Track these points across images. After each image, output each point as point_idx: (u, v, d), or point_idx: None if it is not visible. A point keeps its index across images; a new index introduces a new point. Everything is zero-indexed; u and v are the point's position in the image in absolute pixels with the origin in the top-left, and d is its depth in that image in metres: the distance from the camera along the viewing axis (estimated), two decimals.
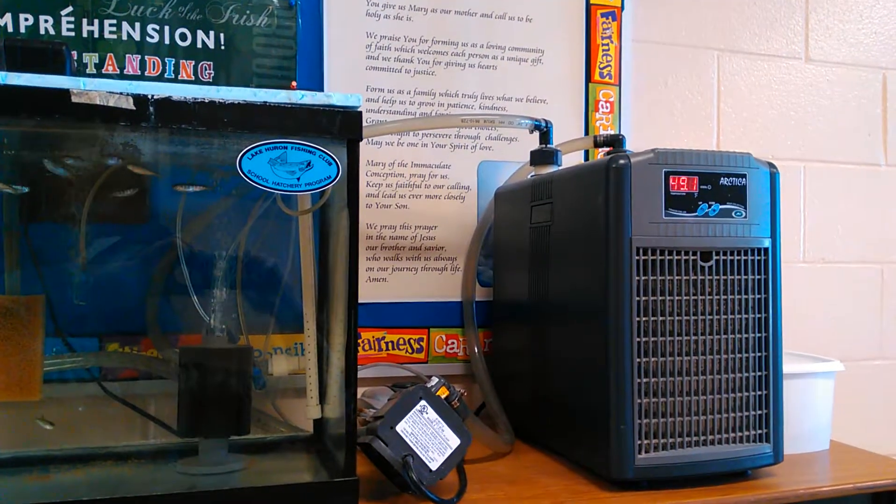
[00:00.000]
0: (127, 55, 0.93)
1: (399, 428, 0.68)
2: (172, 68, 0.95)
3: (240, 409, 0.76)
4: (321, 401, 0.81)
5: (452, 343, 1.06)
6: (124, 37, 0.93)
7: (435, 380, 0.74)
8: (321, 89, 1.00)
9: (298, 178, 0.66)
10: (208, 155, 0.75)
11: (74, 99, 0.59)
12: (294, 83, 0.99)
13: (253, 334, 0.88)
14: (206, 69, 0.96)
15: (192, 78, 0.95)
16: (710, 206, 0.73)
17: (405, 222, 1.04)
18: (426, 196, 1.05)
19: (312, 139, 0.66)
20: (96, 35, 0.92)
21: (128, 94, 0.61)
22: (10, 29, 0.90)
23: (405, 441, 0.68)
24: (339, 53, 1.01)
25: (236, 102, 0.64)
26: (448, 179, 1.06)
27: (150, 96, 0.61)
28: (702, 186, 0.73)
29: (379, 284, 1.03)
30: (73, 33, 0.91)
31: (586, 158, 1.12)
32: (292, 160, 0.65)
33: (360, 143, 0.68)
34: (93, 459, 0.77)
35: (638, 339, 0.71)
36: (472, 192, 1.07)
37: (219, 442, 0.75)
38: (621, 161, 0.71)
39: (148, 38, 0.94)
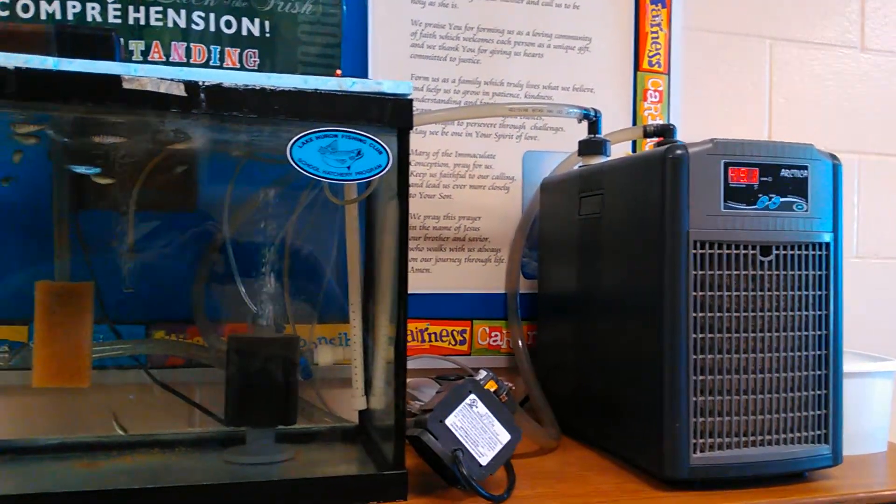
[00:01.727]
0: (173, 42, 0.93)
1: (448, 421, 0.67)
2: (218, 56, 0.94)
3: (287, 398, 0.75)
4: (366, 392, 0.81)
5: (496, 335, 1.05)
6: (170, 24, 0.93)
7: (483, 373, 0.73)
8: (365, 77, 0.99)
9: (349, 167, 0.65)
10: (257, 142, 0.74)
11: (125, 85, 0.59)
12: (339, 71, 0.97)
13: (297, 324, 0.88)
14: (250, 57, 0.95)
15: (238, 66, 0.94)
16: (770, 199, 0.71)
17: (449, 213, 1.03)
18: (470, 186, 1.04)
19: (362, 127, 0.65)
20: (142, 22, 0.92)
21: (179, 81, 0.60)
22: (58, 16, 0.90)
23: (454, 435, 0.67)
24: (383, 41, 1.00)
25: (287, 90, 0.63)
26: (492, 170, 1.04)
27: (201, 83, 0.60)
28: (762, 178, 0.71)
29: (422, 275, 1.02)
30: (119, 20, 0.91)
31: (634, 149, 1.10)
32: (343, 148, 0.64)
33: None
34: (140, 447, 0.78)
35: (694, 336, 0.69)
36: (517, 182, 1.05)
37: (266, 431, 0.75)
38: (678, 152, 0.69)
39: (193, 26, 0.93)
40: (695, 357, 0.69)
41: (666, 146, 0.71)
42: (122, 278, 0.79)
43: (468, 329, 1.04)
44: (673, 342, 0.68)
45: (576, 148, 0.99)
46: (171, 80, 0.60)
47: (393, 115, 0.65)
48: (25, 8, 0.89)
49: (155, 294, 0.86)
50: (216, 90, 0.61)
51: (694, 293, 0.69)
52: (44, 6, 0.89)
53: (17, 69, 0.57)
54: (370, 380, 0.81)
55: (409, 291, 1.00)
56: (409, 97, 0.66)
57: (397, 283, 0.67)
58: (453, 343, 1.03)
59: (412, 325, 1.01)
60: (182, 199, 0.82)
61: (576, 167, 0.97)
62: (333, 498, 0.64)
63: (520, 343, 1.01)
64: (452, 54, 1.03)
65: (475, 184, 1.04)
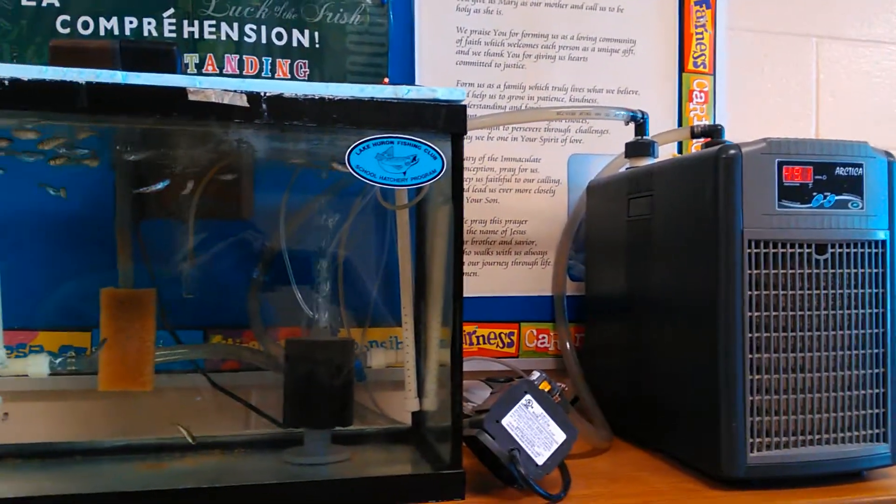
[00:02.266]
0: (226, 55, 0.95)
1: (504, 422, 0.68)
2: (269, 67, 0.96)
3: (344, 400, 0.77)
4: (419, 394, 0.82)
5: (543, 338, 1.05)
6: (223, 37, 0.95)
7: (536, 374, 0.74)
8: (412, 84, 1.01)
9: (404, 173, 0.66)
10: (312, 151, 0.76)
11: (191, 97, 0.61)
12: (386, 79, 0.99)
13: (350, 328, 0.89)
14: (301, 67, 0.97)
15: (288, 76, 0.97)
16: (825, 197, 0.70)
17: (495, 216, 1.04)
18: (516, 190, 1.04)
19: (417, 134, 0.66)
20: (196, 36, 0.95)
21: (241, 92, 0.62)
22: (115, 32, 0.93)
23: (511, 435, 0.68)
24: (429, 49, 1.01)
25: (344, 98, 0.64)
26: (538, 173, 1.05)
27: (262, 93, 0.62)
28: (816, 177, 0.70)
29: (470, 279, 1.03)
30: (174, 34, 0.94)
31: (680, 150, 1.10)
32: (398, 155, 0.66)
33: None
34: (200, 449, 0.79)
35: (750, 335, 0.69)
36: (563, 185, 1.06)
37: (323, 433, 0.77)
38: (731, 151, 0.69)
39: (246, 38, 0.96)
40: (751, 356, 0.69)
41: (718, 146, 0.71)
42: (182, 285, 0.81)
43: (516, 331, 1.04)
44: (728, 341, 0.68)
45: (622, 150, 0.99)
46: (234, 91, 0.62)
47: (447, 120, 0.66)
48: (86, 25, 0.92)
49: (212, 300, 0.88)
50: (277, 100, 0.63)
51: (749, 292, 0.68)
52: (102, 22, 0.93)
53: (88, 83, 0.59)
54: (422, 382, 0.82)
55: None
56: (463, 103, 0.67)
57: (452, 286, 0.68)
58: (501, 345, 1.04)
59: None
60: (239, 208, 0.84)
61: (623, 169, 0.97)
62: (393, 497, 0.66)
63: (567, 345, 1.02)
64: (497, 60, 1.04)
65: (521, 188, 1.05)
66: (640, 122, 0.94)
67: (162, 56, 0.69)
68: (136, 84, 0.60)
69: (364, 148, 0.65)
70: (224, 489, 0.63)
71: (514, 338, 1.04)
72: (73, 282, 0.86)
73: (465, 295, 1.02)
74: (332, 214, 0.82)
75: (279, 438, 0.82)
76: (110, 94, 0.60)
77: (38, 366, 0.76)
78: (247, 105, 0.62)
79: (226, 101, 0.61)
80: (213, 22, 0.95)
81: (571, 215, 1.05)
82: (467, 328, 1.03)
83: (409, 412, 0.84)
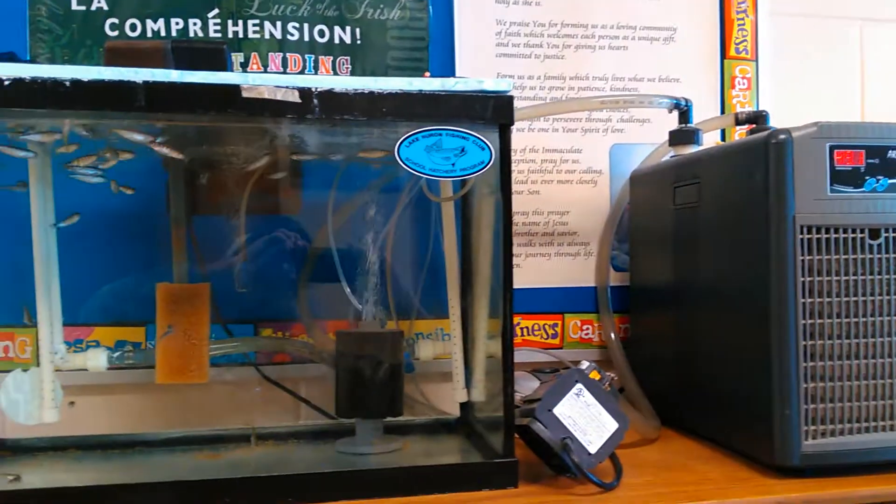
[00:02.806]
0: (270, 53, 0.97)
1: (556, 411, 0.68)
2: (312, 64, 0.98)
3: (394, 391, 0.78)
4: (467, 384, 0.83)
5: (587, 329, 1.05)
6: (266, 36, 0.97)
7: (586, 363, 0.74)
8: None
9: (453, 164, 0.67)
10: (359, 145, 0.77)
11: (244, 94, 0.62)
12: (427, 73, 1.00)
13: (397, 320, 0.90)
14: (343, 64, 0.98)
15: (331, 73, 0.98)
16: (878, 181, 0.70)
17: (537, 208, 1.04)
18: (558, 181, 1.04)
19: (465, 125, 0.66)
20: (241, 35, 0.96)
21: (294, 88, 0.63)
22: (162, 33, 0.95)
23: (563, 424, 0.68)
24: (469, 42, 1.02)
25: (393, 92, 0.65)
26: (580, 164, 1.05)
27: (314, 89, 0.63)
28: (868, 160, 0.69)
29: (513, 270, 1.03)
30: (219, 34, 0.96)
31: (723, 137, 1.09)
32: (447, 146, 0.66)
33: None
34: (257, 439, 0.81)
35: (803, 322, 0.68)
36: (605, 175, 1.06)
37: (375, 423, 0.78)
38: (781, 136, 0.69)
39: (289, 37, 0.97)
40: (804, 343, 0.68)
41: (767, 131, 0.70)
42: (234, 279, 0.83)
43: (559, 323, 1.04)
44: (781, 329, 0.68)
45: (664, 139, 0.99)
46: (287, 87, 0.63)
47: (494, 111, 0.67)
48: (133, 27, 0.94)
49: (261, 294, 0.90)
50: (328, 96, 0.63)
51: (802, 279, 0.68)
52: (150, 24, 0.95)
53: (145, 82, 0.61)
54: (470, 373, 0.83)
55: None
56: (510, 94, 0.68)
57: (503, 278, 0.68)
58: (545, 337, 1.04)
59: None
60: (287, 202, 0.85)
61: (667, 158, 0.97)
62: (447, 485, 0.66)
63: (612, 335, 1.01)
64: (537, 51, 1.04)
65: (563, 178, 1.05)
66: (683, 110, 0.94)
67: (212, 55, 0.70)
68: (192, 82, 0.62)
69: (413, 140, 0.66)
70: (282, 478, 0.64)
71: (558, 329, 1.04)
72: (128, 278, 0.88)
73: None
74: (379, 208, 0.83)
75: (331, 429, 0.83)
76: (166, 93, 0.61)
77: (97, 360, 0.77)
78: (299, 101, 0.63)
79: (278, 98, 0.63)
80: (257, 21, 0.96)
81: (614, 205, 1.04)
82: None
83: (456, 403, 0.85)
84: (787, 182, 0.68)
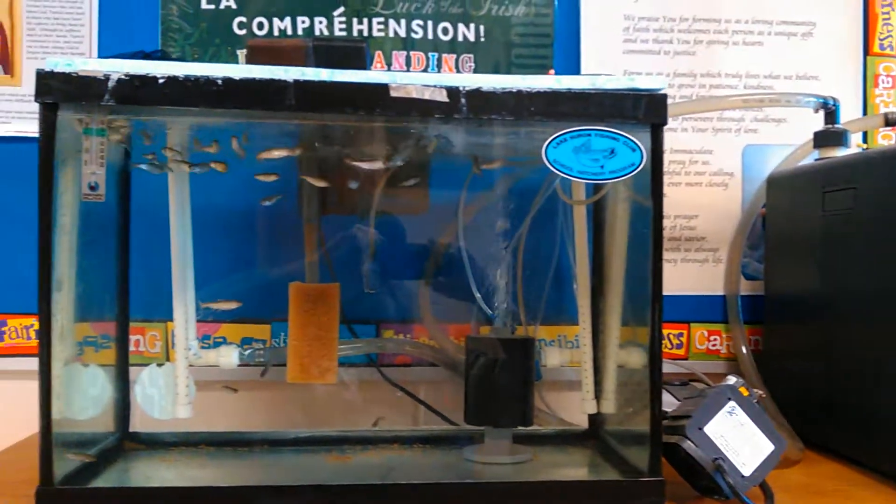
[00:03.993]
0: (393, 52, 0.96)
1: (707, 429, 0.64)
2: (435, 63, 0.96)
3: (525, 400, 0.75)
4: (597, 395, 0.80)
5: (715, 339, 1.00)
6: (391, 34, 0.96)
7: (733, 379, 0.70)
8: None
9: (602, 166, 0.63)
10: (494, 144, 0.75)
11: (393, 93, 0.61)
12: (551, 70, 0.97)
13: (520, 325, 0.88)
14: (466, 62, 0.96)
15: (454, 72, 0.96)
16: None
17: (664, 212, 0.99)
18: (686, 184, 1.00)
19: (615, 125, 0.63)
20: (365, 33, 0.96)
21: (441, 87, 0.61)
22: (288, 31, 0.95)
23: (714, 443, 0.64)
24: (595, 39, 0.98)
25: (542, 91, 0.62)
26: (710, 165, 1.00)
27: (461, 88, 0.61)
28: None
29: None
30: (344, 33, 0.95)
31: (865, 139, 1.02)
32: (596, 147, 0.63)
33: None
34: (381, 442, 0.80)
35: None
36: (736, 178, 1.00)
37: (504, 431, 0.75)
38: None
39: (413, 34, 0.96)
40: None
41: None
42: (362, 279, 0.82)
43: (685, 332, 1.00)
44: None
45: (802, 140, 0.93)
46: (434, 86, 0.61)
47: (647, 111, 0.63)
48: (260, 25, 0.95)
49: (384, 294, 0.89)
50: (476, 95, 0.61)
51: None
52: (276, 23, 0.95)
53: (296, 81, 0.60)
54: (600, 383, 0.80)
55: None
56: (663, 92, 0.64)
57: (651, 286, 0.65)
58: (670, 347, 1.00)
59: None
60: (415, 201, 0.84)
61: (808, 160, 0.91)
62: (587, 502, 0.63)
63: (743, 348, 0.96)
64: (666, 47, 0.99)
65: (691, 181, 1.00)
66: (830, 110, 0.88)
67: (353, 53, 0.69)
68: (341, 81, 0.60)
69: (561, 141, 0.63)
70: (423, 486, 0.63)
71: (684, 339, 1.00)
72: (255, 275, 0.89)
73: None
74: (510, 210, 0.81)
75: (456, 436, 0.81)
76: (315, 92, 0.60)
77: (228, 357, 0.78)
78: (446, 100, 0.61)
79: (426, 97, 0.61)
80: (382, 19, 0.95)
81: (746, 210, 0.99)
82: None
83: (584, 414, 0.82)
84: None
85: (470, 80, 0.62)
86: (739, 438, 0.65)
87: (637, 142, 0.63)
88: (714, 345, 1.00)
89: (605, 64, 0.98)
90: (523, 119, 0.62)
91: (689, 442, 0.64)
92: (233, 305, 0.76)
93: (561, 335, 0.94)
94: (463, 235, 0.82)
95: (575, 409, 0.86)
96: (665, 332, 0.99)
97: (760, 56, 1.00)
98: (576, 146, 0.63)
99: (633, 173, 0.64)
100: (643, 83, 0.64)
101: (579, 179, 0.63)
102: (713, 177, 1.00)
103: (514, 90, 0.62)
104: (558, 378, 0.91)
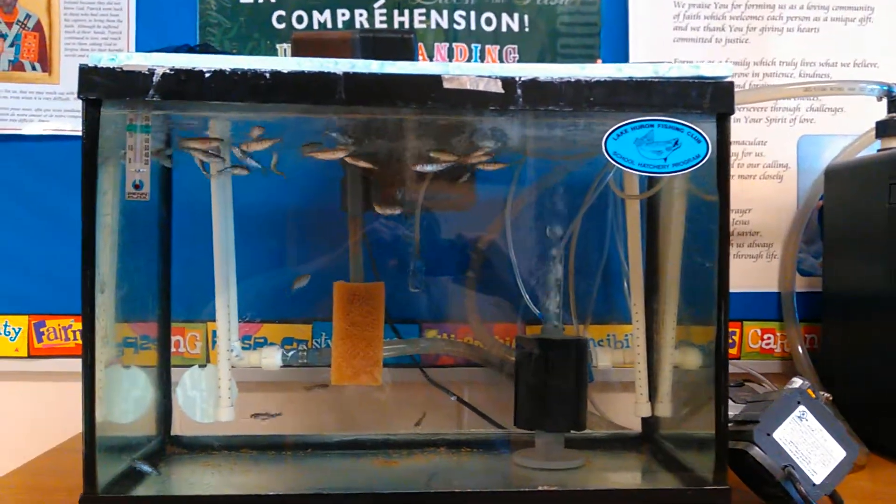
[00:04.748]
0: (435, 44, 0.93)
1: (776, 435, 0.61)
2: (478, 54, 0.93)
3: (579, 403, 0.72)
4: (651, 397, 0.76)
5: (768, 338, 0.96)
6: (433, 25, 0.93)
7: (799, 381, 0.66)
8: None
9: (665, 159, 0.60)
10: (546, 138, 0.72)
11: (446, 85, 0.58)
12: (599, 60, 0.94)
13: (567, 324, 0.85)
14: (510, 53, 0.93)
15: (497, 63, 0.93)
16: None
17: None
18: (739, 176, 0.96)
19: (679, 115, 0.60)
20: (406, 25, 0.93)
21: (496, 78, 0.58)
22: (328, 24, 0.93)
23: (784, 450, 0.61)
24: (644, 27, 0.95)
25: (602, 80, 0.59)
26: (763, 157, 0.96)
27: (517, 78, 0.58)
28: None
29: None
30: (385, 24, 0.93)
31: None
32: (659, 139, 0.60)
33: None
34: (427, 446, 0.78)
35: None
36: (791, 170, 0.96)
37: (557, 436, 0.73)
38: None
39: (455, 26, 0.93)
40: None
41: None
42: (407, 278, 0.79)
43: (738, 331, 0.96)
44: None
45: (862, 130, 0.89)
46: (489, 77, 0.58)
47: (713, 99, 0.60)
48: (300, 19, 0.93)
49: (428, 293, 0.87)
50: (532, 85, 0.58)
51: None
52: (316, 16, 0.93)
53: (346, 74, 0.57)
54: (654, 385, 0.76)
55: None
56: (729, 79, 0.61)
57: (717, 283, 0.61)
58: None
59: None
60: (461, 198, 0.81)
61: (869, 151, 0.87)
62: None
63: (799, 347, 0.93)
64: (718, 35, 0.96)
65: (744, 173, 0.96)
66: (894, 98, 0.83)
67: (401, 45, 0.67)
68: (392, 73, 0.58)
69: (622, 132, 0.60)
70: (484, 494, 0.60)
71: (736, 338, 0.96)
72: (295, 274, 0.87)
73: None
74: (559, 206, 0.78)
75: (504, 439, 0.79)
76: (366, 85, 0.58)
77: (271, 358, 0.76)
78: (501, 91, 0.58)
79: (480, 88, 0.58)
80: (423, 10, 0.93)
81: (803, 203, 0.95)
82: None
83: (637, 417, 0.79)
84: None
85: (526, 70, 0.59)
86: (810, 444, 0.61)
87: (702, 133, 0.60)
88: (768, 343, 0.96)
89: (654, 53, 0.95)
90: (582, 110, 0.59)
91: (757, 448, 0.60)
92: (303, 282, 0.74)
93: (610, 334, 0.91)
94: (510, 232, 0.79)
95: (625, 411, 0.83)
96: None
97: (816, 43, 0.96)
98: (637, 138, 0.60)
99: (697, 166, 0.60)
100: (708, 71, 0.61)
101: (641, 172, 0.60)
102: (767, 169, 0.96)
103: (572, 80, 0.59)
104: (607, 379, 0.88)
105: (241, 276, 0.75)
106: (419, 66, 0.59)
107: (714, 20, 0.95)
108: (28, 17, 0.92)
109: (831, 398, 0.70)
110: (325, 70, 0.57)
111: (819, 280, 0.95)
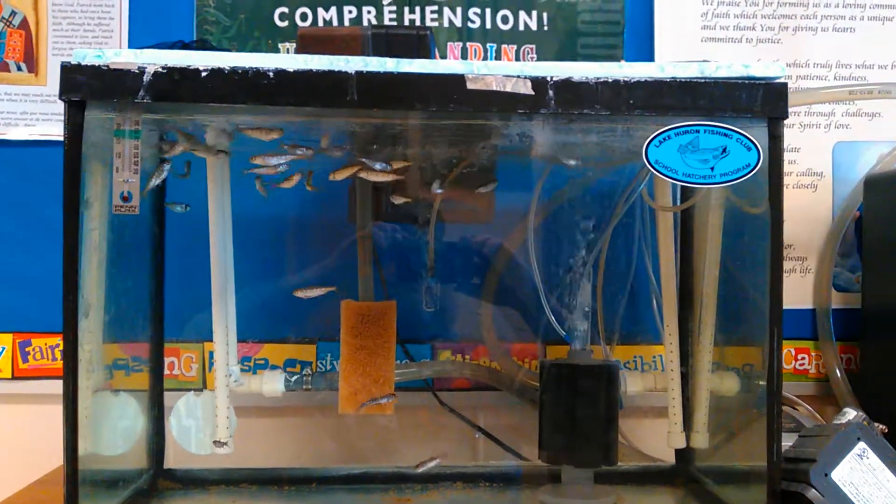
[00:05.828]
0: (448, 43, 0.87)
1: (835, 475, 0.55)
2: (494, 54, 0.88)
3: (609, 434, 0.66)
4: (686, 427, 0.70)
5: (802, 358, 0.90)
6: (446, 24, 0.87)
7: (852, 412, 0.60)
8: None
9: (712, 168, 0.54)
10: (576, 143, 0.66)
11: (469, 85, 0.52)
12: (623, 62, 0.88)
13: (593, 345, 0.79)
14: (528, 53, 0.88)
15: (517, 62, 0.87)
16: None
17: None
18: None
19: (727, 120, 0.54)
20: (417, 23, 0.87)
21: (525, 78, 0.52)
22: (334, 22, 0.87)
23: (843, 491, 0.55)
24: (670, 26, 0.89)
25: (643, 80, 0.54)
26: (796, 165, 0.90)
27: (549, 78, 0.53)
28: None
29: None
30: (395, 23, 0.87)
31: None
32: (705, 146, 0.54)
33: None
34: (442, 480, 0.72)
35: None
36: (826, 179, 0.90)
37: (586, 471, 0.67)
38: None
39: (469, 24, 0.87)
40: None
41: None
42: (422, 296, 0.73)
43: None
44: None
45: None
46: (518, 76, 0.52)
47: (765, 102, 0.54)
48: (304, 17, 0.87)
49: (442, 312, 0.80)
50: (565, 86, 0.53)
51: None
52: (321, 13, 0.87)
53: (359, 73, 0.52)
54: (689, 413, 0.70)
55: None
56: (782, 80, 0.55)
57: (770, 305, 0.56)
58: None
59: None
60: (479, 209, 0.75)
61: None
62: None
63: (836, 368, 0.87)
64: (749, 35, 0.90)
65: None
66: None
67: (416, 42, 0.61)
68: (409, 72, 0.52)
69: (665, 139, 0.54)
70: None
71: None
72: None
73: None
74: (586, 219, 0.72)
75: (525, 473, 0.72)
76: (381, 85, 0.52)
77: (273, 384, 0.70)
78: (531, 93, 0.52)
79: (508, 89, 0.52)
80: (435, 7, 0.87)
81: (839, 214, 0.89)
82: None
83: (671, 449, 0.73)
84: None
85: (558, 69, 0.53)
86: (871, 486, 0.55)
87: (753, 139, 0.54)
88: (802, 364, 0.90)
89: (681, 53, 0.89)
90: (621, 113, 0.53)
91: (813, 491, 0.54)
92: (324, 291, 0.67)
93: (637, 356, 0.85)
94: (533, 246, 0.73)
95: (656, 440, 0.77)
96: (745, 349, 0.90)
97: (852, 43, 0.90)
98: (681, 144, 0.54)
99: (748, 176, 0.55)
100: (759, 70, 0.55)
101: (686, 183, 0.54)
102: (800, 177, 0.90)
103: (610, 80, 0.53)
104: (634, 404, 0.82)
105: (240, 292, 0.70)
106: (439, 65, 0.53)
107: (744, 19, 0.89)
108: (13, 13, 0.86)
109: (886, 430, 0.63)
110: (336, 69, 0.51)
111: (854, 296, 0.89)
